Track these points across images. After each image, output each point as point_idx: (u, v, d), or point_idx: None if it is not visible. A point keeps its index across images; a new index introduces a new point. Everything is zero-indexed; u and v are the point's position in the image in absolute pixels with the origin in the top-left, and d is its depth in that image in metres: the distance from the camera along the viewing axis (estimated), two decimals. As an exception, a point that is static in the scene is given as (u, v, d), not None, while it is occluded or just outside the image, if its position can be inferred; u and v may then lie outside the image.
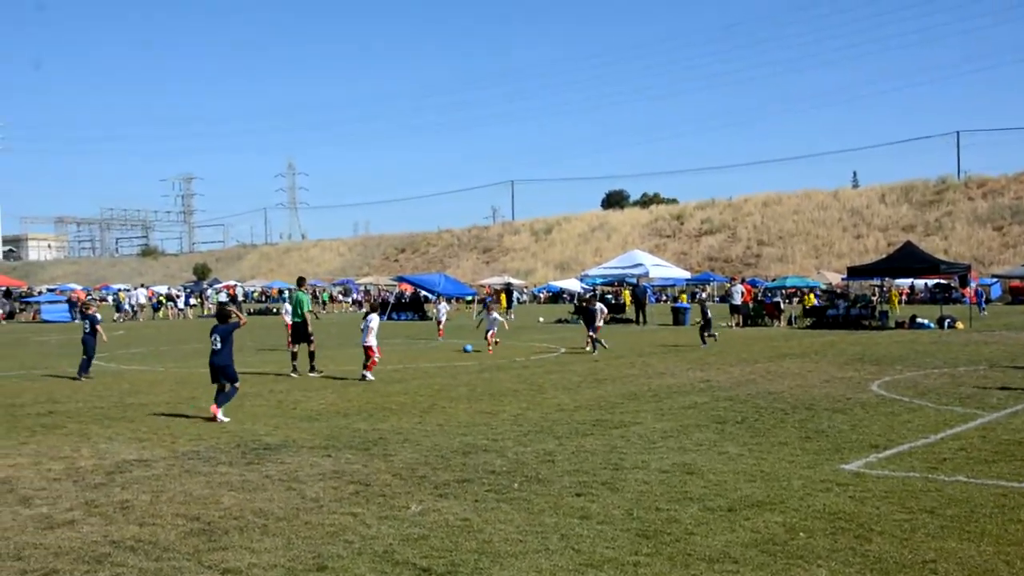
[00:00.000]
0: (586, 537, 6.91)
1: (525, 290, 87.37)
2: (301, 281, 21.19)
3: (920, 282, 65.21)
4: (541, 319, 47.19)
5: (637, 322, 41.62)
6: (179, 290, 76.99)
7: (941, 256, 63.19)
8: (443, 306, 33.63)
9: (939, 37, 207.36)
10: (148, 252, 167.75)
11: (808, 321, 38.11)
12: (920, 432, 11.43)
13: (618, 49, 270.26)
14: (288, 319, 21.31)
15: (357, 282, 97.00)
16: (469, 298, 58.87)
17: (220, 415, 13.00)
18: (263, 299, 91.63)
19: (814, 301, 44.06)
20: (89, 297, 62.15)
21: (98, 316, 20.74)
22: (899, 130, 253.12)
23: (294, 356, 19.99)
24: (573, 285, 69.66)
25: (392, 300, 57.86)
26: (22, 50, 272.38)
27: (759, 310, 40.50)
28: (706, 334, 27.11)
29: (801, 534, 6.93)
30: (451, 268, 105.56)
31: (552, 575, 6.09)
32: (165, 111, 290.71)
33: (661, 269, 48.37)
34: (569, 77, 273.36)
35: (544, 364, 21.75)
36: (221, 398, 13.33)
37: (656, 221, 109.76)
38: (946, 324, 35.01)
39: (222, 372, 13.39)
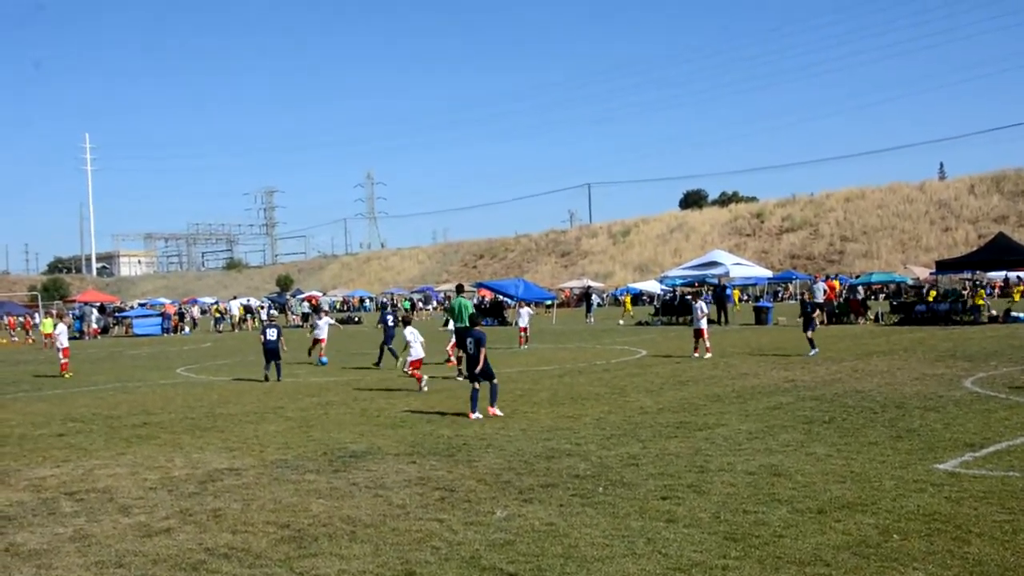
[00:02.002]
0: (673, 541, 6.86)
1: (604, 293, 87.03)
2: (460, 288, 21.48)
3: (1014, 275, 63.12)
4: (621, 322, 46.96)
5: (719, 322, 41.13)
6: (263, 302, 78.57)
7: (1035, 247, 61.06)
8: (525, 311, 33.38)
9: (1016, 24, 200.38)
10: (233, 265, 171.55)
11: (895, 318, 37.19)
12: (1019, 430, 11.06)
13: (692, 47, 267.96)
14: (523, 323, 22.14)
15: (437, 289, 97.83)
16: (548, 303, 58.85)
17: (495, 411, 13.92)
18: (344, 308, 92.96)
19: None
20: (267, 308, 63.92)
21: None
22: (988, 118, 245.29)
23: (459, 360, 20.17)
24: (653, 287, 69.15)
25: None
26: (114, 71, 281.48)
27: (844, 307, 39.66)
28: (809, 333, 23.08)
29: (895, 536, 6.77)
30: (529, 273, 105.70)
31: (640, 579, 6.05)
32: (248, 127, 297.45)
33: (742, 268, 47.66)
34: (643, 77, 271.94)
35: (626, 367, 21.63)
36: (491, 397, 14.01)
37: (736, 220, 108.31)
38: (1042, 317, 33.81)
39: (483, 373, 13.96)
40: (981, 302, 35.86)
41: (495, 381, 14.15)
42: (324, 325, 26.55)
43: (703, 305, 24.48)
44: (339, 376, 21.72)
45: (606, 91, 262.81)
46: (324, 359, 25.54)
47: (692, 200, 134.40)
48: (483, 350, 13.95)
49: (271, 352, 21.19)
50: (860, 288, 53.47)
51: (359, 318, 66.81)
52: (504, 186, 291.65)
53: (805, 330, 23.29)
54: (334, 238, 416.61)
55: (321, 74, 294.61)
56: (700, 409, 13.87)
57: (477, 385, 13.98)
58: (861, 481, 8.61)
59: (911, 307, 37.55)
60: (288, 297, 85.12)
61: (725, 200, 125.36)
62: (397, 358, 22.72)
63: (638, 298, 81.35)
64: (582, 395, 16.21)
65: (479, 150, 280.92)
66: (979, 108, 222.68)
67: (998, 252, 36.97)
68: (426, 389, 17.47)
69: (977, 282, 46.70)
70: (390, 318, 24.96)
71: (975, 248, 51.62)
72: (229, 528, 7.72)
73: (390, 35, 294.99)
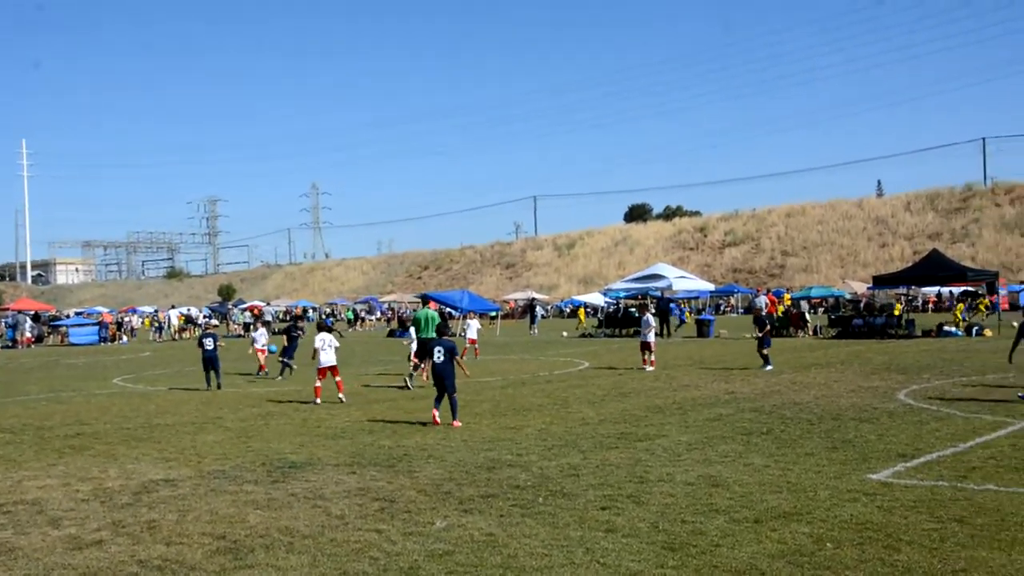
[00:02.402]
0: (611, 551, 6.89)
1: (548, 306, 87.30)
2: (426, 299, 22.69)
3: (947, 290, 64.60)
4: (565, 333, 47.14)
5: (661, 335, 41.46)
6: (204, 312, 77.48)
7: (968, 263, 62.62)
8: (473, 322, 33.14)
9: (962, 45, 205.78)
10: (174, 274, 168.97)
11: (833, 331, 37.84)
12: (949, 441, 11.32)
13: (638, 64, 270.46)
14: (472, 335, 24.89)
15: (381, 300, 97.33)
16: (493, 314, 58.88)
17: (457, 423, 13.93)
18: (287, 318, 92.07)
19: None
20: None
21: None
22: (924, 138, 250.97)
23: (415, 368, 20.87)
24: (596, 299, 69.50)
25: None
26: (49, 78, 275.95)
27: (784, 321, 40.26)
28: (765, 349, 22.52)
29: (828, 545, 6.88)
30: (474, 284, 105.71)
31: (577, 589, 6.07)
32: (189, 135, 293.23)
33: (685, 282, 48.13)
34: (589, 93, 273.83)
35: (568, 378, 21.71)
36: (452, 411, 14.09)
37: (679, 234, 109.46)
38: (974, 332, 34.67)
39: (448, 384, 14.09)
40: (897, 312, 36.90)
41: (455, 395, 14.21)
42: (261, 336, 26.29)
43: (650, 318, 24.46)
44: (280, 387, 21.49)
45: (552, 105, 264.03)
46: (274, 347, 25.47)
47: (637, 214, 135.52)
48: (456, 359, 14.27)
49: (208, 361, 21.29)
50: (802, 302, 54.28)
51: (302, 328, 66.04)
52: (450, 198, 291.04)
53: (761, 348, 22.51)
54: (278, 248, 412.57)
55: (267, 83, 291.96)
56: (641, 420, 13.97)
57: (455, 394, 14.22)
58: (797, 491, 8.74)
59: (848, 321, 38.24)
60: (229, 307, 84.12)
61: (669, 214, 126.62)
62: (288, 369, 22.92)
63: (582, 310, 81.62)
64: (524, 406, 16.23)
65: (425, 161, 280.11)
66: (916, 127, 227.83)
67: (932, 268, 37.83)
68: (319, 401, 17.50)
69: (910, 297, 47.72)
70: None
71: (910, 264, 52.76)
72: (163, 540, 7.58)
73: (334, 46, 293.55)
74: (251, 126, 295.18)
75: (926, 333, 35.47)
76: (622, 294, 52.59)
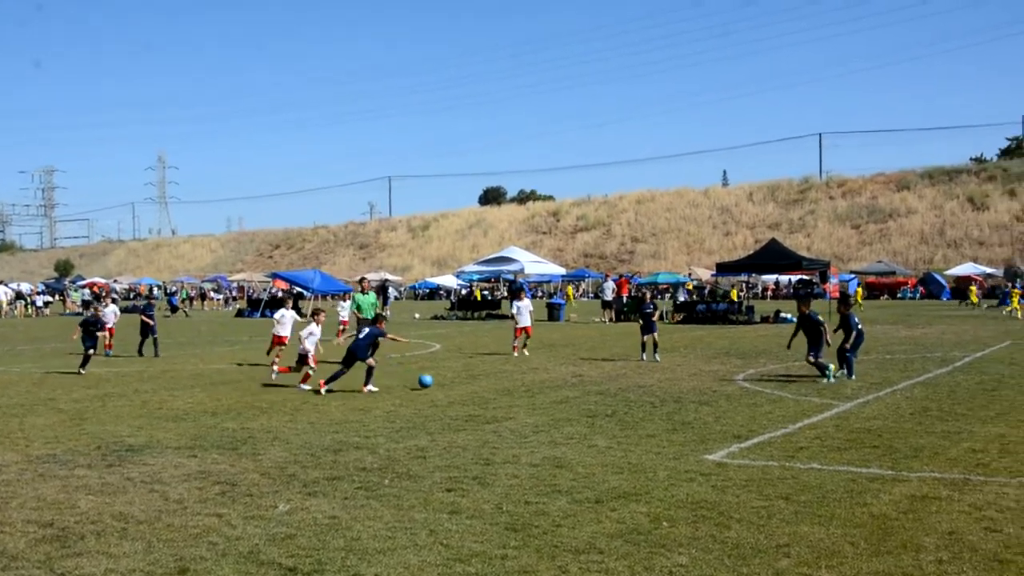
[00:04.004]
0: (455, 532, 6.94)
1: (402, 287, 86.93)
2: (362, 281, 23.51)
3: (784, 278, 67.66)
4: (417, 315, 47.07)
5: (513, 318, 41.90)
6: (38, 288, 73.67)
7: (804, 253, 65.76)
8: (345, 304, 32.20)
9: (802, 42, 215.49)
10: (5, 247, 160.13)
11: (679, 316, 39.09)
12: (780, 422, 11.88)
13: (495, 46, 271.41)
14: (344, 316, 24.71)
15: (230, 279, 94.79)
16: (343, 294, 58.22)
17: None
18: (130, 296, 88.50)
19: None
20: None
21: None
22: (767, 130, 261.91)
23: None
24: (450, 282, 69.66)
25: (265, 297, 56.69)
26: None
27: (632, 305, 41.29)
28: (653, 336, 20.68)
29: (664, 523, 7.12)
30: (327, 265, 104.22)
31: (420, 570, 6.10)
32: (24, 100, 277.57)
33: (537, 266, 48.80)
34: (446, 74, 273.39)
35: (419, 360, 21.69)
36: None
37: (533, 218, 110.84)
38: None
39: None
40: (735, 297, 38.57)
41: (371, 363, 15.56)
42: (111, 313, 25.04)
43: (528, 303, 23.72)
44: (121, 367, 20.68)
45: (408, 85, 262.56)
46: (109, 351, 23.95)
47: (491, 197, 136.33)
48: (376, 342, 15.87)
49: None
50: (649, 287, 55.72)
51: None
52: (303, 176, 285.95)
53: (645, 333, 20.80)
54: (121, 223, 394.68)
55: (110, 48, 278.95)
56: (490, 403, 14.10)
57: (374, 363, 15.62)
58: (637, 472, 9.00)
59: (693, 307, 39.58)
60: (66, 283, 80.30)
61: (523, 198, 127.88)
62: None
63: (435, 292, 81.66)
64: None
65: (278, 137, 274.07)
66: (761, 120, 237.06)
67: (771, 256, 39.59)
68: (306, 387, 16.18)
69: (751, 284, 49.72)
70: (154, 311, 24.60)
71: (751, 252, 55.00)
72: (-15, 528, 7.19)
73: (186, 13, 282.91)
74: (92, 92, 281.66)
75: (764, 319, 37.08)
76: (475, 277, 52.88)
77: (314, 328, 16.72)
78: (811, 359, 16.37)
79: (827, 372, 16.06)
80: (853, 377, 16.42)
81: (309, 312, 21.45)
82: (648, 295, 25.02)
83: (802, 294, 45.64)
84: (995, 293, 60.00)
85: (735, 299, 39.26)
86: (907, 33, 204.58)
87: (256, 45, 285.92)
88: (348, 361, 15.39)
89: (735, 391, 15.11)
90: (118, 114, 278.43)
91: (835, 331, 17.14)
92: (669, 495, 8.03)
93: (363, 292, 22.22)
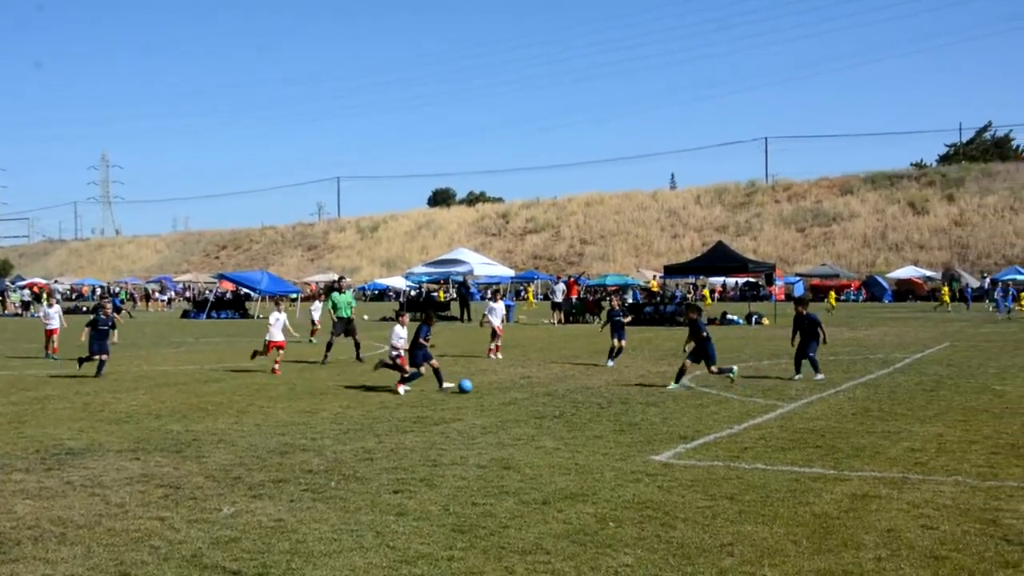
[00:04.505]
0: (401, 534, 6.92)
1: (351, 288, 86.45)
2: (340, 280, 24.24)
3: (732, 280, 68.47)
4: (366, 316, 46.79)
5: (461, 319, 41.91)
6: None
7: (750, 256, 66.58)
8: (317, 304, 31.83)
9: (748, 48, 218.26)
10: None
11: (627, 318, 39.32)
12: (725, 423, 12.01)
13: (445, 48, 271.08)
14: (316, 316, 25.96)
15: (176, 280, 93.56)
16: (293, 296, 57.73)
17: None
18: (72, 296, 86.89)
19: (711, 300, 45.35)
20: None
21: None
22: (715, 134, 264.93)
23: (329, 346, 21.81)
24: (399, 283, 69.40)
25: (212, 298, 56.03)
26: None
27: (580, 307, 41.48)
28: (622, 341, 20.49)
29: (611, 524, 7.17)
30: (275, 266, 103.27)
31: (366, 573, 6.07)
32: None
33: (486, 267, 48.84)
34: (396, 75, 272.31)
35: (368, 361, 21.54)
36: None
37: (482, 219, 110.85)
38: (753, 320, 36.92)
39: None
40: (708, 301, 38.73)
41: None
42: (55, 315, 24.33)
43: (501, 305, 23.82)
44: (62, 369, 20.30)
45: (357, 85, 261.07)
46: (55, 355, 23.15)
47: (440, 198, 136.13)
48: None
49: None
50: (597, 289, 56.14)
51: (86, 307, 62.50)
52: (251, 176, 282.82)
53: (615, 336, 20.38)
54: (63, 222, 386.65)
55: (50, 43, 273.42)
56: (438, 404, 14.08)
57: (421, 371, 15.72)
58: (584, 472, 9.05)
59: (641, 308, 39.85)
60: (7, 283, 78.63)
61: (473, 200, 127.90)
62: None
63: (384, 294, 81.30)
64: (321, 390, 16.02)
65: (224, 137, 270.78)
66: (708, 124, 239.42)
67: (718, 259, 40.06)
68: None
69: (698, 286, 50.23)
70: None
71: (699, 255, 55.58)
72: (-82, 534, 7.02)
73: (128, 12, 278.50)
74: (33, 90, 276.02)
75: (711, 321, 37.43)
76: (424, 278, 52.78)
77: (399, 330, 16.42)
78: (714, 369, 15.76)
79: (731, 373, 15.93)
80: (820, 376, 16.70)
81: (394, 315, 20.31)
82: (617, 303, 24.70)
83: (799, 296, 46.19)
84: (934, 296, 61.37)
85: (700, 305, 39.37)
86: (850, 42, 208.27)
87: (203, 44, 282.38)
88: (415, 361, 15.67)
89: (681, 392, 15.24)
90: (60, 112, 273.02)
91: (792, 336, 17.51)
92: (616, 496, 8.08)
93: (340, 291, 22.68)
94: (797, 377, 16.78)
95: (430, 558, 6.34)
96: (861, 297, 69.68)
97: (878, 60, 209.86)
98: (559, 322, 39.08)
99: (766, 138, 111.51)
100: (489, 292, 37.57)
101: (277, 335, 19.26)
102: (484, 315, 24.17)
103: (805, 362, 17.07)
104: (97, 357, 18.56)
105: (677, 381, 15.86)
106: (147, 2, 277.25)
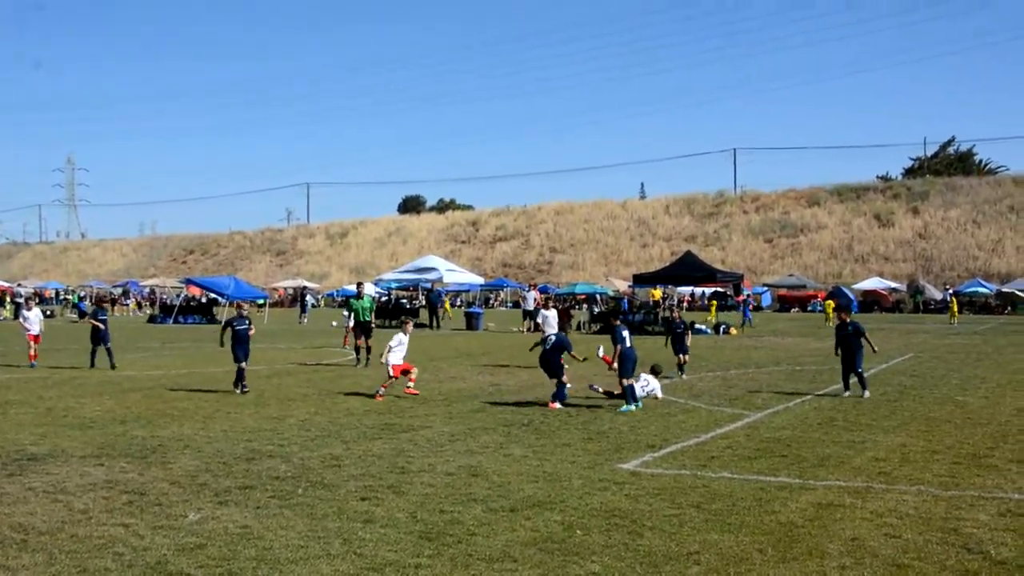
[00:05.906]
0: (369, 541, 6.90)
1: (319, 295, 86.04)
2: (360, 286, 25.06)
3: (699, 290, 68.77)
4: (334, 323, 46.55)
5: (430, 326, 41.83)
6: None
7: (718, 266, 66.93)
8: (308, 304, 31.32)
9: (717, 60, 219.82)
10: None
11: (596, 326, 39.42)
12: (693, 432, 12.08)
13: (415, 54, 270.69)
14: (350, 323, 24.51)
15: (142, 284, 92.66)
16: (261, 302, 57.34)
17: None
18: (38, 301, 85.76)
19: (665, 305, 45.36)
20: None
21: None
22: (684, 145, 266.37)
23: (358, 350, 22.49)
24: (368, 289, 69.16)
25: (179, 303, 55.53)
26: None
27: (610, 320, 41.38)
28: (685, 356, 20.00)
29: (578, 532, 7.19)
30: (243, 271, 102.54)
31: (332, 580, 6.05)
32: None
33: (455, 274, 48.79)
34: (366, 81, 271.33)
35: (336, 369, 21.50)
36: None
37: (452, 227, 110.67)
38: (721, 330, 37.12)
39: None
40: (714, 313, 38.96)
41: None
42: (35, 318, 23.36)
43: (553, 313, 23.42)
44: (25, 373, 20.04)
45: (327, 90, 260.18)
46: (35, 362, 22.32)
47: (411, 205, 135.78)
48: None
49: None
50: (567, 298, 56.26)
51: (52, 311, 61.77)
52: (219, 180, 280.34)
53: (678, 352, 20.18)
54: (27, 225, 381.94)
55: (15, 43, 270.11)
56: (406, 411, 14.04)
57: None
58: (552, 480, 9.07)
59: (609, 317, 39.90)
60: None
61: (443, 207, 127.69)
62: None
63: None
64: (289, 396, 15.94)
65: (193, 140, 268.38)
66: (678, 134, 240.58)
67: (687, 268, 40.25)
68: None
69: (666, 296, 50.46)
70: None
71: (668, 264, 55.84)
72: None
73: (97, 12, 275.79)
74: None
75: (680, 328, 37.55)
76: (394, 285, 52.60)
77: (402, 337, 15.99)
78: (625, 383, 14.46)
79: (630, 406, 14.12)
80: (867, 394, 15.43)
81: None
82: (678, 313, 23.55)
83: (843, 302, 46.06)
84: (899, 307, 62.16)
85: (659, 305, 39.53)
86: (818, 56, 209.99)
87: (170, 46, 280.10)
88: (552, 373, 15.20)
89: (650, 401, 15.29)
90: (24, 114, 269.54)
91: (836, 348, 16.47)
92: (583, 504, 8.10)
93: (359, 297, 23.22)
94: (846, 395, 15.60)
95: (397, 565, 6.33)
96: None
97: (845, 75, 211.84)
98: (528, 330, 39.07)
99: (735, 149, 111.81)
100: (540, 298, 37.70)
101: (396, 359, 15.86)
102: (537, 323, 24.02)
103: (853, 379, 15.87)
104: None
105: (629, 403, 14.23)
106: (114, 4, 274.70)
